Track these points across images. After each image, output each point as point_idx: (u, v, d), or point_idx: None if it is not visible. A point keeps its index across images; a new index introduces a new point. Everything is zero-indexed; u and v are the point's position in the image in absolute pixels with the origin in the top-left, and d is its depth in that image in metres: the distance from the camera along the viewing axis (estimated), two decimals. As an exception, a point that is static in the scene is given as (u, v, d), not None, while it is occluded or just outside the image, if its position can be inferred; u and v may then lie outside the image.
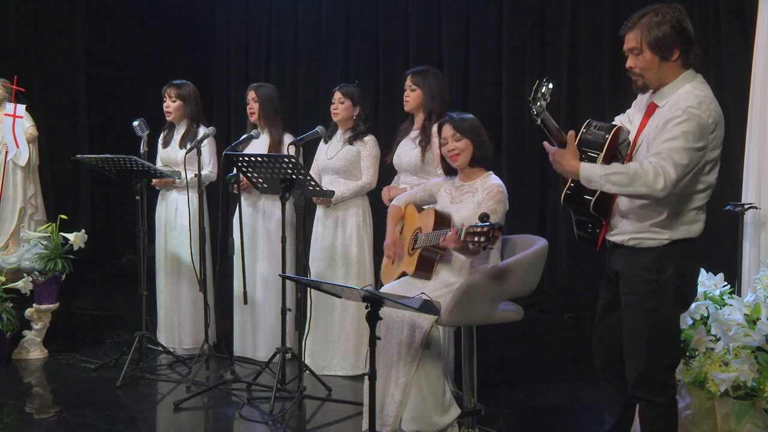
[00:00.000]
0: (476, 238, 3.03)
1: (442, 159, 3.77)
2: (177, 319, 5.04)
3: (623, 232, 2.82)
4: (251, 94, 4.92)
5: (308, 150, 4.82)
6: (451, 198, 3.71)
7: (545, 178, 6.56)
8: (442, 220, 3.57)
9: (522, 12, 6.60)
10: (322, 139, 4.75)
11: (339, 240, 4.65)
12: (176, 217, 5.00)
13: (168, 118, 5.07)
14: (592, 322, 3.11)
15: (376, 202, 4.75)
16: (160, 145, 5.15)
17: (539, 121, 2.68)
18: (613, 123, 2.93)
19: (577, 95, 6.34)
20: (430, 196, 3.85)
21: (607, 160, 2.78)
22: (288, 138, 4.88)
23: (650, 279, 2.76)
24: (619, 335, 2.89)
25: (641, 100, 2.90)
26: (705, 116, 2.62)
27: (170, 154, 5.04)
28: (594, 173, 2.68)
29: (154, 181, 4.92)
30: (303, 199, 4.10)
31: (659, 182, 2.58)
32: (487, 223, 3.01)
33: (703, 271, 3.63)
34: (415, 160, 4.31)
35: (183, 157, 4.78)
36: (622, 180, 2.63)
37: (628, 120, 2.96)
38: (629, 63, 2.77)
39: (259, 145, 4.84)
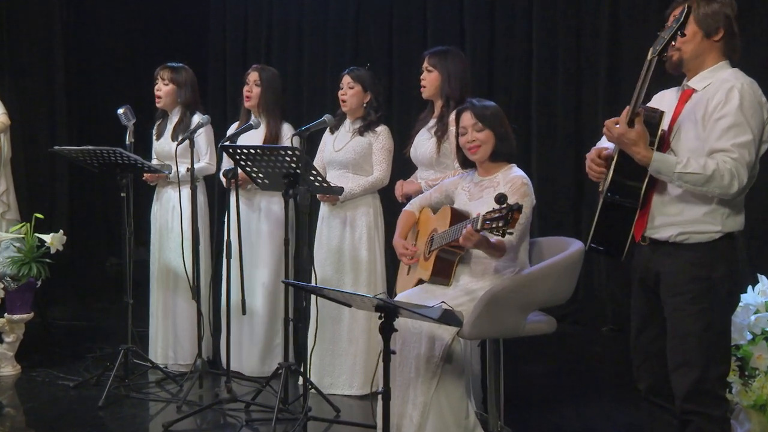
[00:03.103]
0: (494, 224, 3.03)
1: (458, 150, 3.77)
2: (173, 332, 5.04)
3: (669, 225, 2.83)
4: (253, 76, 4.92)
5: (311, 141, 4.79)
6: (469, 195, 3.70)
7: (581, 171, 6.50)
8: (460, 218, 3.55)
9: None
10: (328, 129, 4.75)
11: (347, 242, 4.64)
12: (173, 219, 4.99)
13: (158, 104, 5.08)
14: (633, 335, 3.10)
15: (388, 201, 4.73)
16: (153, 137, 5.16)
17: (651, 66, 2.75)
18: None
19: (615, 76, 6.30)
20: (446, 197, 3.85)
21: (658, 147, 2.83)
22: (287, 129, 4.88)
23: (702, 277, 2.78)
24: (664, 348, 2.88)
25: (662, 99, 2.99)
26: (759, 93, 2.76)
27: (164, 147, 5.05)
28: (667, 168, 2.72)
29: (145, 176, 4.93)
30: (308, 196, 4.09)
31: (734, 186, 2.68)
32: (504, 205, 3.01)
33: (763, 278, 3.61)
34: (430, 153, 4.28)
35: (175, 150, 4.77)
36: (697, 180, 2.70)
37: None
38: None
39: (253, 137, 4.80)
